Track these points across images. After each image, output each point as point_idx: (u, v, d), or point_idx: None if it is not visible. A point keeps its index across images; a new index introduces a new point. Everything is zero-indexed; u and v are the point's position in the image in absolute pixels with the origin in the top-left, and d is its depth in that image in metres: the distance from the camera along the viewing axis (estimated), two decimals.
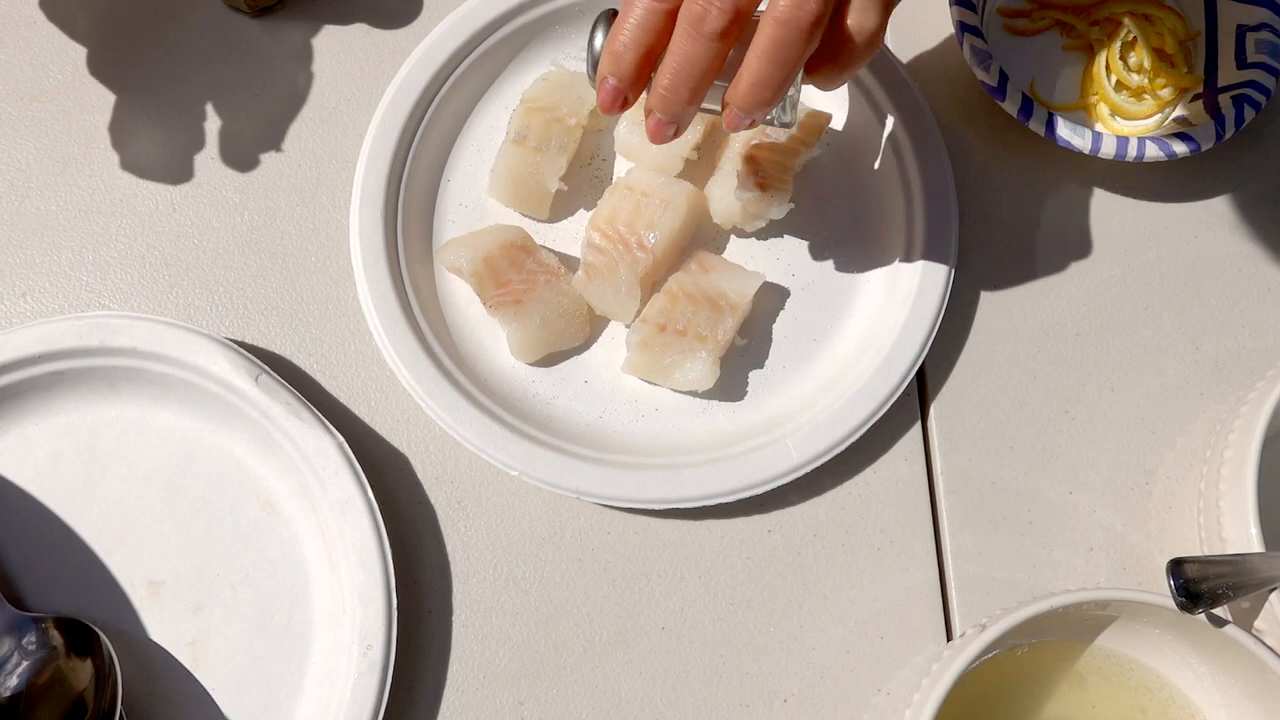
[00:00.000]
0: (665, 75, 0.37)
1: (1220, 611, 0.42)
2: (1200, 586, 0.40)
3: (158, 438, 0.48)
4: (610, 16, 0.40)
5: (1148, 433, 0.52)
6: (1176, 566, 0.41)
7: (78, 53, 0.54)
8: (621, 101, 0.38)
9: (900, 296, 0.51)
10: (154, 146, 0.53)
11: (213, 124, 0.53)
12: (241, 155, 0.53)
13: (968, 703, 0.44)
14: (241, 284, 0.51)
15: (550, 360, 0.51)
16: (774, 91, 0.37)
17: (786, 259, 0.53)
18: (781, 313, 0.52)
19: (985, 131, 0.56)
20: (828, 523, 0.50)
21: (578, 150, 0.52)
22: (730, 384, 0.51)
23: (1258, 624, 0.44)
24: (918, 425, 0.52)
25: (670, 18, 0.37)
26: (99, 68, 0.54)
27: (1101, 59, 0.57)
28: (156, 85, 0.53)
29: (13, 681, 0.42)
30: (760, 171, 0.50)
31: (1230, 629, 0.42)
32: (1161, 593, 0.42)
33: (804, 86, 0.41)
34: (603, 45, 0.39)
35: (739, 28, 0.36)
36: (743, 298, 0.50)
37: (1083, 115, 0.57)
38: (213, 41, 0.54)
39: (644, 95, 0.39)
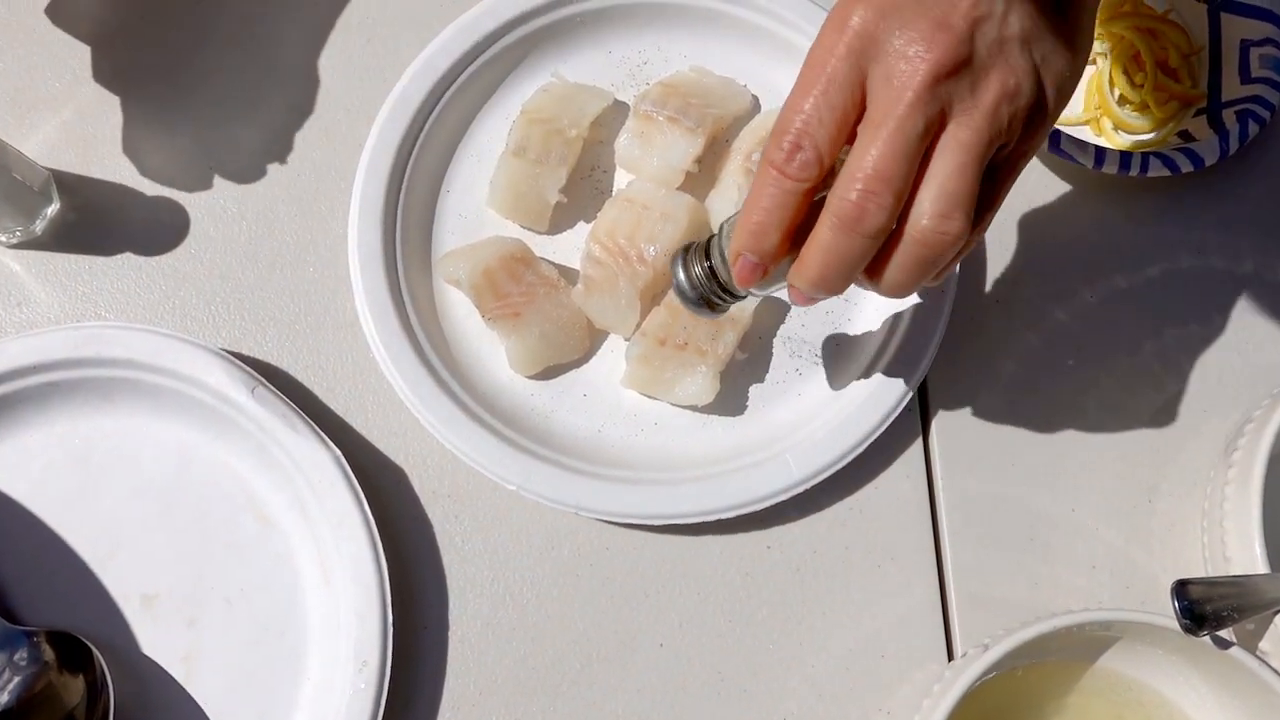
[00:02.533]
0: (814, 267, 0.35)
1: (1225, 633, 0.42)
2: (1205, 608, 0.40)
3: (153, 449, 0.48)
4: (685, 250, 0.39)
5: (1150, 450, 0.52)
6: (1181, 588, 0.40)
7: (76, 62, 0.53)
8: (761, 273, 0.37)
9: (902, 311, 0.51)
10: (151, 156, 0.52)
11: (211, 134, 0.53)
12: (240, 165, 0.53)
13: None
14: (238, 295, 0.51)
15: (549, 373, 0.50)
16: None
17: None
18: (782, 327, 0.52)
19: None
20: (828, 539, 0.50)
21: (578, 162, 0.52)
22: (730, 398, 0.51)
23: (1262, 646, 0.44)
24: (919, 441, 0.51)
25: (808, 198, 0.35)
26: (97, 76, 0.53)
27: (1105, 72, 0.57)
28: (154, 95, 0.53)
29: (4, 698, 0.42)
30: None
31: (1235, 651, 0.41)
32: (1165, 613, 0.41)
33: None
34: (723, 238, 0.38)
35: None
36: (743, 311, 0.49)
37: (1086, 130, 0.57)
38: (212, 51, 0.54)
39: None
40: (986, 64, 0.33)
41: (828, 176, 0.35)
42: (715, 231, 0.39)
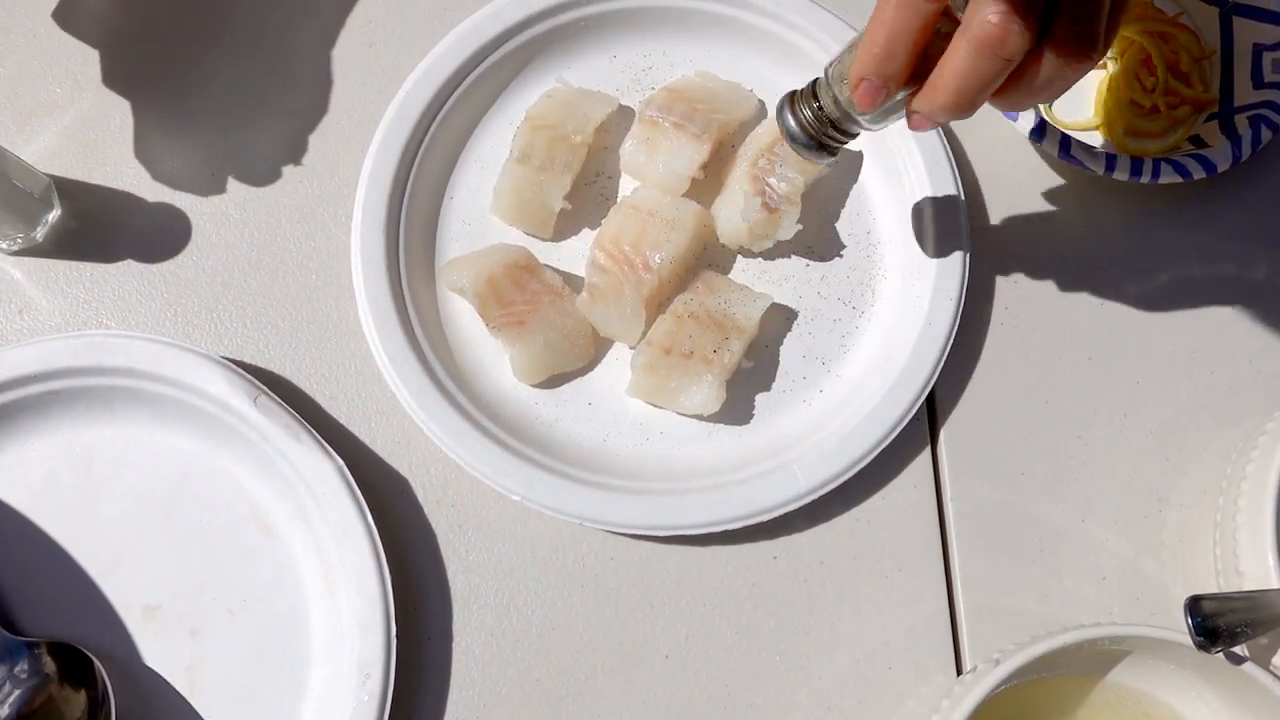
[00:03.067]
0: (949, 92, 0.35)
1: (1238, 649, 0.41)
2: (1218, 623, 0.40)
3: (155, 458, 0.47)
4: (791, 97, 0.39)
5: (1161, 459, 0.51)
6: (1194, 604, 0.40)
7: (77, 68, 0.53)
8: (885, 96, 0.37)
9: (910, 319, 0.51)
10: (153, 162, 0.52)
11: (214, 140, 0.53)
12: (242, 172, 0.52)
13: None
14: (240, 302, 0.50)
15: (554, 382, 0.50)
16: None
17: (794, 280, 0.52)
18: (789, 335, 0.52)
19: (997, 151, 0.55)
20: (835, 550, 0.49)
21: (582, 168, 0.52)
22: (737, 407, 0.50)
23: (1276, 661, 0.43)
24: (927, 451, 0.51)
25: (935, 18, 0.35)
26: (100, 82, 0.53)
27: (1116, 77, 0.56)
28: (156, 100, 0.53)
29: (5, 711, 0.41)
30: (768, 192, 0.50)
31: (1248, 667, 0.41)
32: (1176, 627, 0.41)
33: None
34: (851, 55, 0.37)
35: None
36: (750, 319, 0.49)
37: (1097, 135, 0.56)
38: (216, 57, 0.54)
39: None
40: None
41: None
42: (820, 75, 0.39)
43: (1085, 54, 0.34)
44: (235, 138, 0.53)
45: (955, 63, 0.35)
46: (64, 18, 0.53)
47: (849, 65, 0.37)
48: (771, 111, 0.54)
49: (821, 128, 0.39)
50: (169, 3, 0.54)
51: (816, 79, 0.39)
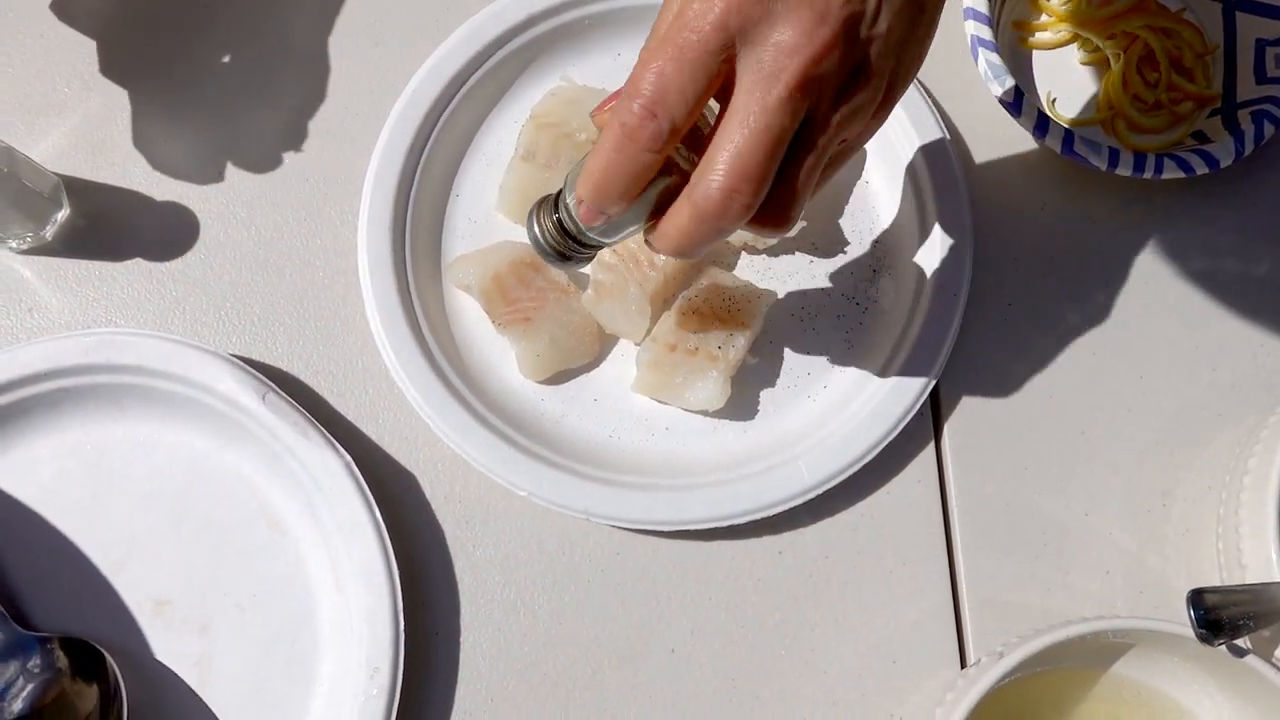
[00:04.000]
0: (671, 244, 0.36)
1: (1241, 641, 0.41)
2: (1220, 616, 0.40)
3: (164, 455, 0.48)
4: (538, 204, 0.38)
5: (1165, 454, 0.51)
6: (1197, 597, 0.40)
7: (84, 68, 0.53)
8: (604, 220, 0.36)
9: (914, 314, 0.51)
10: (161, 161, 0.52)
11: (220, 139, 0.53)
12: (250, 171, 0.52)
13: None
14: (248, 300, 0.51)
15: (560, 378, 0.50)
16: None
17: (799, 276, 0.53)
18: (793, 331, 0.52)
19: (1000, 147, 0.55)
20: (840, 545, 0.49)
21: None
22: (741, 403, 0.50)
23: (1278, 654, 0.44)
24: (931, 446, 0.51)
25: (653, 168, 0.35)
26: (105, 74, 0.53)
27: (1119, 72, 0.56)
28: (163, 99, 0.53)
29: (18, 705, 0.42)
30: None
31: (1251, 659, 0.41)
32: (1180, 620, 0.41)
33: None
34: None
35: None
36: (754, 316, 0.49)
37: (1099, 130, 0.56)
38: (221, 56, 0.54)
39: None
40: (860, 62, 0.33)
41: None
42: (563, 184, 0.38)
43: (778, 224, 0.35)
44: (242, 137, 0.53)
45: (678, 220, 0.34)
46: (62, 9, 0.53)
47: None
48: None
49: (560, 239, 0.38)
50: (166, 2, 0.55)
51: (561, 188, 0.38)
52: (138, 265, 0.51)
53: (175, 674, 0.46)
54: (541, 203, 0.38)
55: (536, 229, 0.38)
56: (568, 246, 0.38)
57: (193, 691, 0.46)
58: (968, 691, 0.40)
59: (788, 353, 0.52)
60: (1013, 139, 0.55)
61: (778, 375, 0.51)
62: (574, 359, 0.50)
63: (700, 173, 0.33)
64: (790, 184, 0.34)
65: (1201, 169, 0.52)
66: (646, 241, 0.37)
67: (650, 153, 0.33)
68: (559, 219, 0.38)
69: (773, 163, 0.33)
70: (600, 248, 0.39)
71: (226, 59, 0.54)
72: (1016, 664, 0.41)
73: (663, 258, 0.49)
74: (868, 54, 0.33)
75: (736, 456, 0.49)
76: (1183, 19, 0.57)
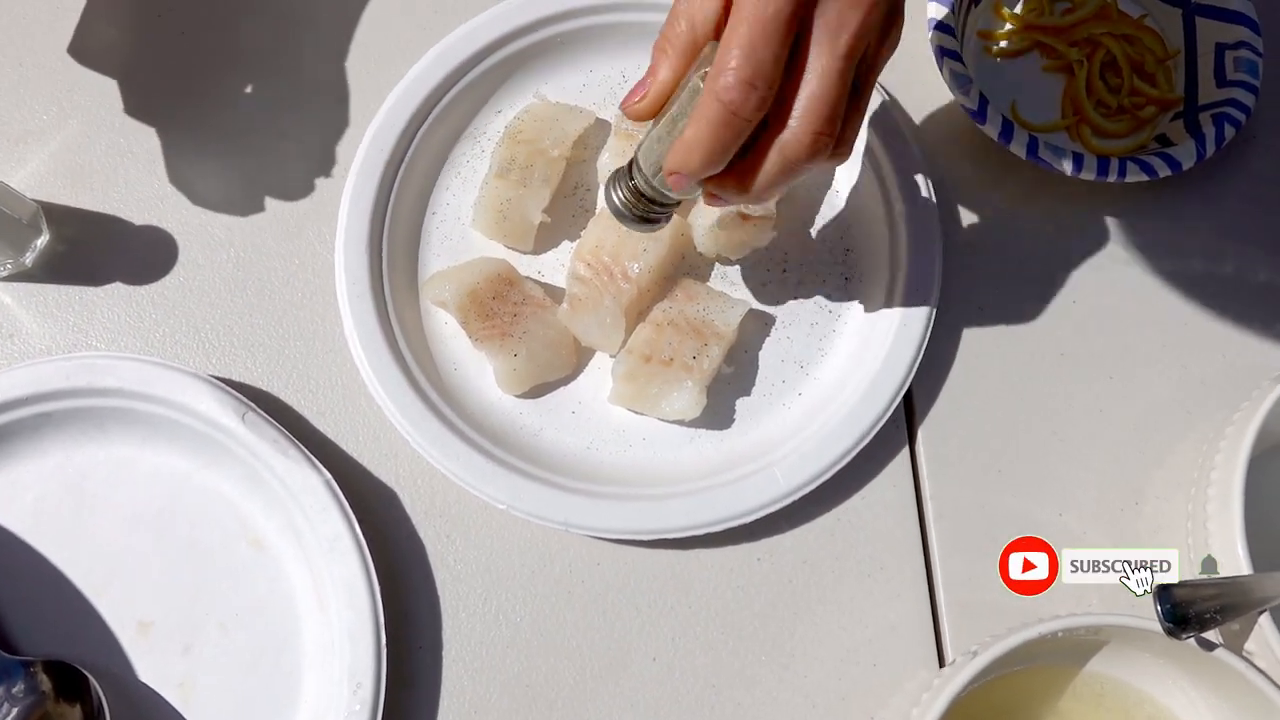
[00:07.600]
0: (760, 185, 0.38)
1: (1211, 634, 0.42)
2: (1188, 610, 0.40)
3: (146, 477, 0.48)
4: (614, 176, 0.41)
5: (1136, 453, 0.52)
6: (1163, 592, 0.41)
7: (63, 95, 0.54)
8: (695, 183, 0.39)
9: (886, 320, 0.51)
10: (139, 185, 0.53)
11: (198, 161, 0.53)
12: (227, 193, 0.53)
13: None
14: (227, 321, 0.51)
15: (537, 392, 0.51)
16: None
17: (771, 286, 0.53)
18: (767, 340, 0.52)
19: (967, 154, 0.56)
20: (817, 550, 0.50)
21: (561, 181, 0.53)
22: (717, 412, 0.51)
23: (1248, 646, 0.44)
24: (905, 450, 0.52)
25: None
26: (86, 109, 0.54)
27: (1082, 79, 0.57)
28: (140, 126, 0.54)
29: None
30: None
31: (1220, 652, 0.41)
32: (1152, 617, 0.42)
33: None
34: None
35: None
36: (728, 326, 0.50)
37: (1064, 136, 0.57)
38: (197, 80, 0.55)
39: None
40: (895, 3, 0.37)
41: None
42: (634, 155, 0.41)
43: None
44: (218, 160, 0.54)
45: (768, 169, 0.37)
46: (78, 48, 0.54)
47: (660, 154, 0.39)
48: None
49: (643, 204, 0.41)
50: (149, 33, 0.55)
51: (633, 160, 0.41)
52: (117, 289, 0.51)
53: (159, 695, 0.46)
54: (615, 176, 0.41)
55: (616, 200, 0.41)
56: (648, 210, 0.41)
57: (177, 712, 0.46)
58: (942, 691, 0.41)
59: (762, 361, 0.52)
60: (979, 146, 0.56)
61: (753, 384, 0.52)
62: (551, 372, 0.51)
63: (784, 121, 0.36)
64: (854, 119, 0.38)
65: (1164, 171, 0.53)
66: (708, 193, 0.40)
67: (752, 121, 0.36)
68: (634, 186, 0.41)
69: (844, 103, 0.36)
70: (677, 205, 0.42)
71: (201, 86, 0.55)
72: (990, 662, 0.41)
73: (636, 268, 0.49)
74: None
75: (714, 465, 0.50)
76: (1144, 25, 0.58)
